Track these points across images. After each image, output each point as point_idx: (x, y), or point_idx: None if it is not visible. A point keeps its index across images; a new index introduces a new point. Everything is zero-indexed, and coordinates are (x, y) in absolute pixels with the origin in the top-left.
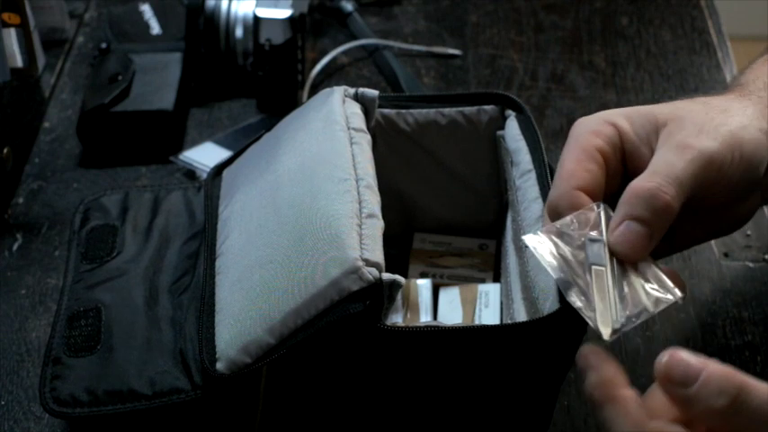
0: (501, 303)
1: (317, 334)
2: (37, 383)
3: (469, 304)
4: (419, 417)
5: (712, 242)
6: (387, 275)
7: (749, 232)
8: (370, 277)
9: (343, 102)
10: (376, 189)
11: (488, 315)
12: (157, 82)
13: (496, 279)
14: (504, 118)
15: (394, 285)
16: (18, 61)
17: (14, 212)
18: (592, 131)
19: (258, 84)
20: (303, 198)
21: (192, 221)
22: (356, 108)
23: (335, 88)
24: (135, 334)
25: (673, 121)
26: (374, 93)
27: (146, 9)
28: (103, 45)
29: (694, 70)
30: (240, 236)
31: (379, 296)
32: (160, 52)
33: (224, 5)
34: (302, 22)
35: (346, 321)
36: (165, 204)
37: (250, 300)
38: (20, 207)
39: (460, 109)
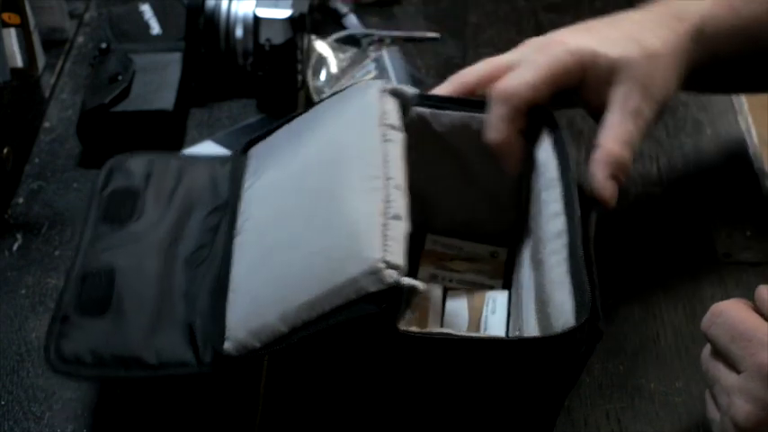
0: (508, 312)
1: (328, 330)
2: (37, 383)
3: (476, 310)
4: (422, 420)
5: (712, 242)
6: (406, 280)
7: (749, 232)
8: (390, 280)
9: (381, 97)
10: (406, 190)
11: (494, 322)
12: (157, 82)
13: (505, 287)
14: (537, 129)
15: (413, 291)
16: (18, 61)
17: (14, 212)
18: None
19: (258, 84)
20: (330, 191)
21: (215, 194)
22: (393, 104)
23: (373, 81)
24: (146, 302)
25: None
26: (414, 91)
27: (146, 9)
28: (103, 45)
29: None
30: (262, 217)
31: (396, 300)
32: (160, 52)
33: (224, 5)
34: (302, 22)
35: (360, 321)
36: (190, 174)
37: (266, 284)
38: (20, 207)
39: None
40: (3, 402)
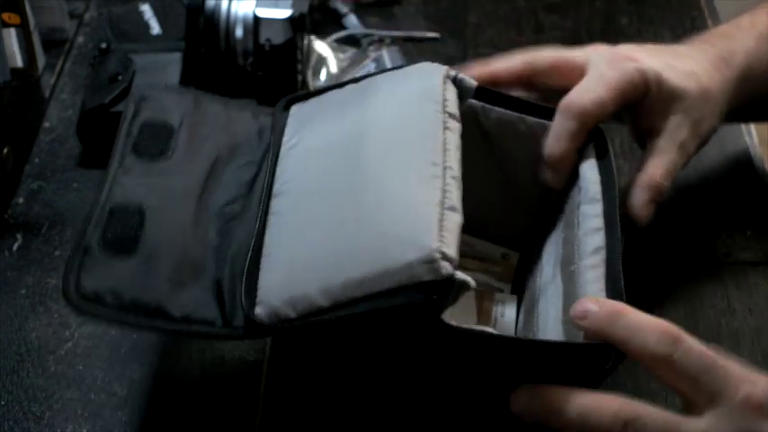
0: (516, 317)
1: (373, 311)
2: (37, 383)
3: (485, 312)
4: (437, 413)
5: (712, 242)
6: (460, 274)
7: (749, 232)
8: (445, 272)
9: (444, 82)
10: (461, 182)
11: (502, 326)
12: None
13: (514, 291)
14: (586, 144)
15: (463, 286)
16: (18, 61)
17: (14, 212)
18: None
19: (258, 84)
20: (389, 172)
21: (250, 147)
22: (453, 93)
23: (437, 65)
24: (175, 251)
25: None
26: (473, 83)
27: (146, 9)
28: (103, 45)
29: None
30: (304, 183)
31: (446, 293)
32: (160, 52)
33: (224, 5)
34: (302, 22)
35: (407, 308)
36: (226, 122)
37: (306, 254)
38: (20, 207)
39: (545, 122)
40: (3, 402)
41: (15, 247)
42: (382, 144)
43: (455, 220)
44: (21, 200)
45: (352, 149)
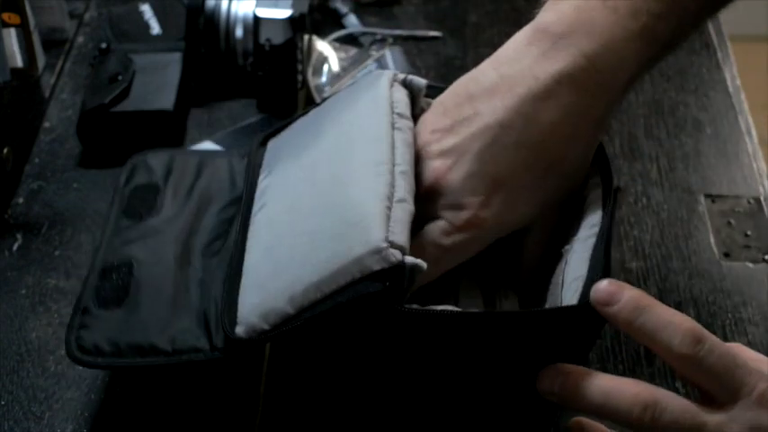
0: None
1: (334, 309)
2: (37, 383)
3: (489, 295)
4: (425, 402)
5: (712, 242)
6: (409, 259)
7: (749, 232)
8: (393, 259)
9: (391, 86)
10: (412, 176)
11: (507, 307)
12: (157, 82)
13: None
14: None
15: (416, 269)
16: (18, 61)
17: (14, 212)
18: None
19: (258, 84)
20: (339, 177)
21: (232, 188)
22: (403, 94)
23: (384, 72)
24: (163, 292)
25: None
26: (423, 81)
27: (146, 9)
28: (103, 45)
29: (694, 70)
30: (275, 207)
31: (400, 278)
32: (160, 52)
33: (224, 5)
34: (302, 22)
35: (365, 299)
36: (209, 169)
37: (277, 269)
38: (20, 207)
39: None
40: (3, 402)
41: (15, 247)
42: (337, 156)
43: (405, 209)
44: (21, 200)
45: (314, 168)
